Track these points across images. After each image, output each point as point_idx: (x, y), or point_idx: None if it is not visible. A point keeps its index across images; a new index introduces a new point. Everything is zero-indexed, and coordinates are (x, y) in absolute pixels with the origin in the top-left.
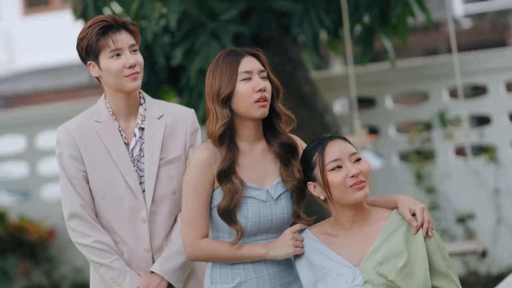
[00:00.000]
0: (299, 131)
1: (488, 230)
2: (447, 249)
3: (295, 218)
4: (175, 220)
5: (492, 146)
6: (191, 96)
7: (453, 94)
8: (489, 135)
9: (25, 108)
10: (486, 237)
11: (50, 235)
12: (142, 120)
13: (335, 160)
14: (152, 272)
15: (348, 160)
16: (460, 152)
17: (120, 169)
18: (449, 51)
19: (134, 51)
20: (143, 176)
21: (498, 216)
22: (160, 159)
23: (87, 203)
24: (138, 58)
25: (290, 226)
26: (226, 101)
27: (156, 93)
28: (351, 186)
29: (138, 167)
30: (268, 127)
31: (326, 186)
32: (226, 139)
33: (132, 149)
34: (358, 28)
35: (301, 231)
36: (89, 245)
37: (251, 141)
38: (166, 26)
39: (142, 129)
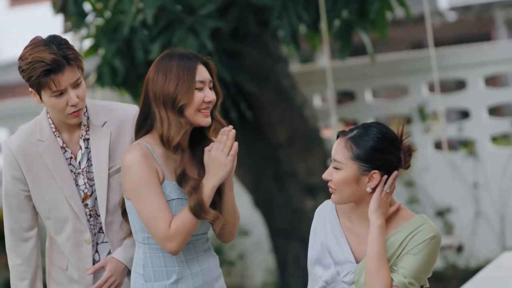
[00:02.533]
0: (278, 125)
1: (467, 224)
2: None
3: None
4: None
5: (471, 140)
6: None
7: (433, 88)
8: (468, 129)
9: (7, 101)
10: (464, 231)
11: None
12: (86, 131)
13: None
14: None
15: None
16: (440, 146)
17: (64, 191)
18: (435, 44)
19: (78, 84)
20: (93, 185)
21: (476, 210)
22: (109, 169)
23: (27, 226)
24: (80, 92)
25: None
26: (182, 109)
27: (135, 87)
28: None
29: (88, 178)
30: (195, 132)
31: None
32: (180, 144)
33: (79, 162)
34: (337, 23)
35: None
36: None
37: (185, 145)
38: (144, 20)
39: (86, 139)
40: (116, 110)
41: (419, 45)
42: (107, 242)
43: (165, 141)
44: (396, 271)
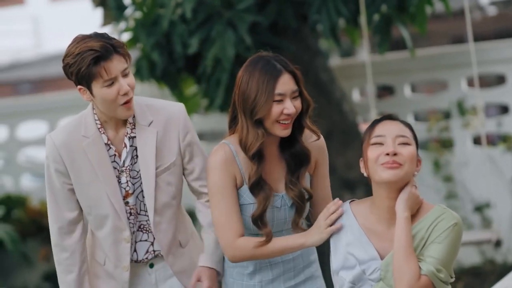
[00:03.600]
0: (316, 119)
1: (505, 219)
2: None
3: (294, 227)
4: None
5: (510, 135)
6: (209, 84)
7: (472, 83)
8: (507, 125)
9: (47, 94)
10: (503, 226)
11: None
12: (132, 129)
13: (378, 136)
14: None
15: (391, 140)
16: (479, 141)
17: (106, 189)
18: (475, 38)
19: (126, 74)
20: (135, 183)
21: None
22: (156, 168)
23: (72, 218)
24: (130, 81)
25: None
26: (260, 121)
27: (174, 81)
28: (382, 164)
29: (130, 176)
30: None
31: (365, 160)
32: (258, 152)
33: (124, 160)
34: (376, 17)
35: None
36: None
37: (271, 149)
38: (183, 14)
39: (131, 137)
40: (162, 109)
41: (460, 39)
42: (145, 240)
43: (243, 147)
44: (423, 260)
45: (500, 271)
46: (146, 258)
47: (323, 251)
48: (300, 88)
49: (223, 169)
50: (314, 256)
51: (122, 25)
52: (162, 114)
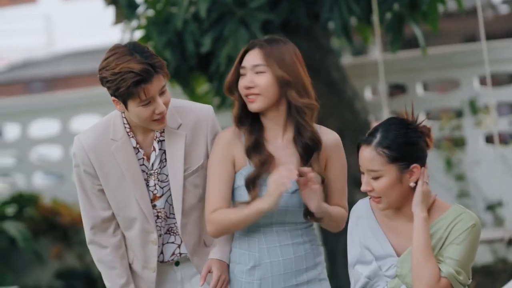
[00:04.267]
0: (328, 117)
1: None
2: None
3: (304, 217)
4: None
5: None
6: (220, 83)
7: (485, 81)
8: None
9: (59, 92)
10: None
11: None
12: (161, 132)
13: (360, 166)
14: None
15: (366, 174)
16: (491, 139)
17: (134, 192)
18: (487, 37)
19: (163, 92)
20: (164, 187)
21: None
22: (184, 171)
23: (107, 216)
24: (166, 99)
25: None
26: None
27: (186, 79)
28: (370, 198)
29: (158, 179)
30: (296, 120)
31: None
32: (245, 121)
33: (152, 163)
34: (388, 16)
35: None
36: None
37: (274, 131)
38: (196, 13)
39: (160, 141)
40: (191, 112)
41: (472, 38)
42: (173, 242)
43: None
44: (442, 261)
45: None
46: (172, 260)
47: (335, 250)
48: (273, 63)
49: (223, 148)
50: (320, 258)
51: (134, 23)
52: (190, 116)
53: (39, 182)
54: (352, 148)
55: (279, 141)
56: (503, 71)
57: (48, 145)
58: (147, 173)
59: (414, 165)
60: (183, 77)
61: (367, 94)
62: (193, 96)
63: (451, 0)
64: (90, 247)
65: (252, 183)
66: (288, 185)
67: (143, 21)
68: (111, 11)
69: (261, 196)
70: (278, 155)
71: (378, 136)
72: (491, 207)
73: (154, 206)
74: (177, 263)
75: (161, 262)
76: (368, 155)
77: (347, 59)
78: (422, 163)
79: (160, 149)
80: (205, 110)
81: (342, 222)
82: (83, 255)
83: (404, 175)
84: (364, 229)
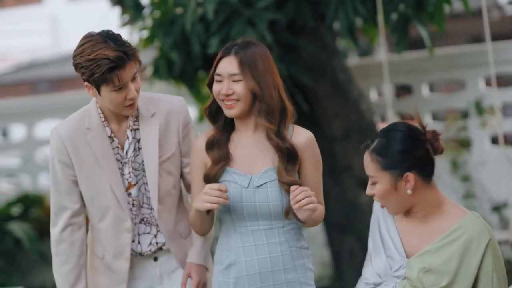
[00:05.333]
0: (334, 118)
1: None
2: None
3: (285, 215)
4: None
5: None
6: None
7: (490, 82)
8: None
9: (65, 93)
10: None
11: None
12: (134, 121)
13: None
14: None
15: (369, 180)
16: (497, 140)
17: (109, 180)
18: (493, 38)
19: (134, 78)
20: (138, 175)
21: None
22: (159, 158)
23: (75, 210)
24: (137, 85)
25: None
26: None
27: (192, 80)
28: None
29: (133, 167)
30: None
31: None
32: (218, 118)
33: (126, 151)
34: (394, 16)
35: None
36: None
37: (246, 130)
38: (203, 14)
39: (134, 130)
40: (163, 102)
41: (478, 38)
42: (148, 233)
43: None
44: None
45: None
46: (150, 251)
47: (340, 251)
48: (251, 71)
49: (198, 153)
50: (302, 261)
51: (140, 24)
52: (163, 106)
53: (45, 183)
54: (357, 148)
55: (250, 140)
56: (509, 72)
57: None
58: (121, 162)
59: (407, 173)
60: (188, 78)
61: (373, 95)
62: (198, 96)
63: (457, 0)
64: (52, 239)
65: (207, 180)
66: (211, 206)
67: (149, 22)
68: (117, 11)
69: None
70: (250, 152)
71: (376, 142)
72: (497, 208)
73: (129, 195)
74: (155, 258)
75: (139, 254)
76: (365, 160)
77: (353, 60)
78: (421, 170)
79: (133, 138)
80: (178, 100)
81: (320, 218)
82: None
83: (399, 183)
84: (380, 224)
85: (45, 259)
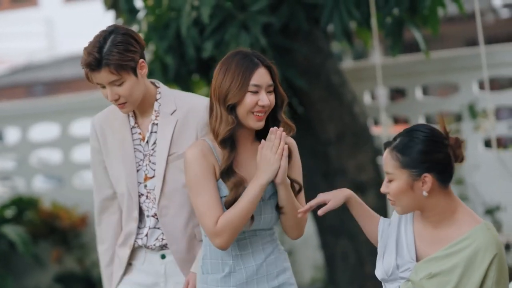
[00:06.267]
0: (328, 121)
1: None
2: None
3: (275, 209)
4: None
5: None
6: None
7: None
8: None
9: (61, 96)
10: None
11: (82, 222)
12: (156, 116)
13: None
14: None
15: (386, 177)
16: (491, 144)
17: (125, 168)
18: (488, 41)
19: (118, 84)
20: (155, 169)
21: None
22: (170, 154)
23: (110, 194)
24: (121, 91)
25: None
26: (232, 107)
27: (186, 83)
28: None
29: (150, 160)
30: (265, 130)
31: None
32: (229, 140)
33: (147, 142)
34: (388, 20)
35: None
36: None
37: (246, 142)
38: (197, 18)
39: (155, 124)
40: (188, 99)
41: (474, 41)
42: (159, 228)
43: (215, 135)
44: None
45: (511, 275)
46: (154, 245)
47: (334, 254)
48: (276, 83)
49: (202, 160)
50: (288, 264)
51: (135, 27)
52: (185, 103)
53: (39, 186)
54: (351, 151)
55: (250, 152)
56: (504, 75)
57: (48, 148)
58: (143, 153)
59: (425, 174)
60: (183, 81)
61: (367, 98)
62: None
63: (452, 3)
64: (95, 221)
65: (229, 205)
66: (282, 151)
67: (144, 26)
68: (111, 15)
69: None
70: (250, 165)
71: (398, 140)
72: (490, 211)
73: (145, 187)
74: (163, 256)
75: (145, 247)
76: (385, 157)
77: (348, 63)
78: (440, 173)
79: (153, 132)
80: (201, 100)
81: (304, 223)
82: (82, 259)
83: (416, 183)
84: (400, 225)
85: (40, 262)
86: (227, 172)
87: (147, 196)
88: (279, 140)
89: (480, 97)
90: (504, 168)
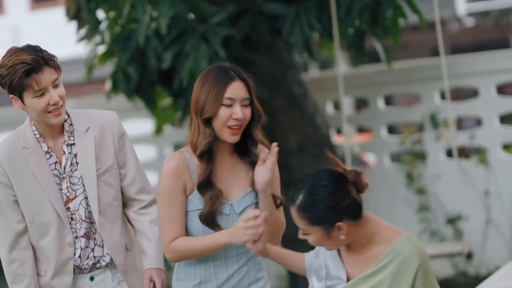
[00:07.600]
0: (289, 132)
1: (477, 231)
2: (436, 250)
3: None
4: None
5: (482, 148)
6: (183, 98)
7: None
8: (480, 137)
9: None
10: (475, 239)
11: None
12: (69, 136)
13: None
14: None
15: None
16: (452, 153)
17: (48, 195)
18: (453, 49)
19: (56, 85)
20: (77, 189)
21: (487, 217)
22: (97, 170)
23: (21, 229)
24: (61, 92)
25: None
26: (208, 120)
27: (149, 94)
28: None
29: (70, 182)
30: (242, 144)
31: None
32: (207, 153)
33: (64, 167)
34: (350, 31)
35: None
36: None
37: (224, 155)
38: (157, 28)
39: (70, 145)
40: (97, 116)
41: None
42: (87, 247)
43: (193, 148)
44: None
45: (473, 283)
46: (87, 264)
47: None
48: (252, 98)
49: (174, 175)
50: (262, 274)
51: (98, 38)
52: (97, 120)
53: None
54: (313, 162)
55: (226, 166)
56: (467, 85)
57: None
58: (59, 177)
59: (338, 224)
60: (145, 92)
61: (329, 108)
62: (155, 110)
63: (413, 14)
64: (2, 261)
65: (211, 221)
66: (256, 236)
67: (107, 37)
68: (74, 25)
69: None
70: (226, 179)
71: (300, 198)
72: (452, 221)
73: (68, 209)
74: (91, 278)
75: (78, 268)
76: (293, 215)
77: (313, 72)
78: (352, 217)
79: (69, 153)
80: (110, 114)
81: (282, 230)
82: None
83: (332, 232)
84: (328, 251)
85: None
86: (205, 185)
87: (72, 218)
88: (256, 229)
89: (442, 107)
90: (465, 177)
